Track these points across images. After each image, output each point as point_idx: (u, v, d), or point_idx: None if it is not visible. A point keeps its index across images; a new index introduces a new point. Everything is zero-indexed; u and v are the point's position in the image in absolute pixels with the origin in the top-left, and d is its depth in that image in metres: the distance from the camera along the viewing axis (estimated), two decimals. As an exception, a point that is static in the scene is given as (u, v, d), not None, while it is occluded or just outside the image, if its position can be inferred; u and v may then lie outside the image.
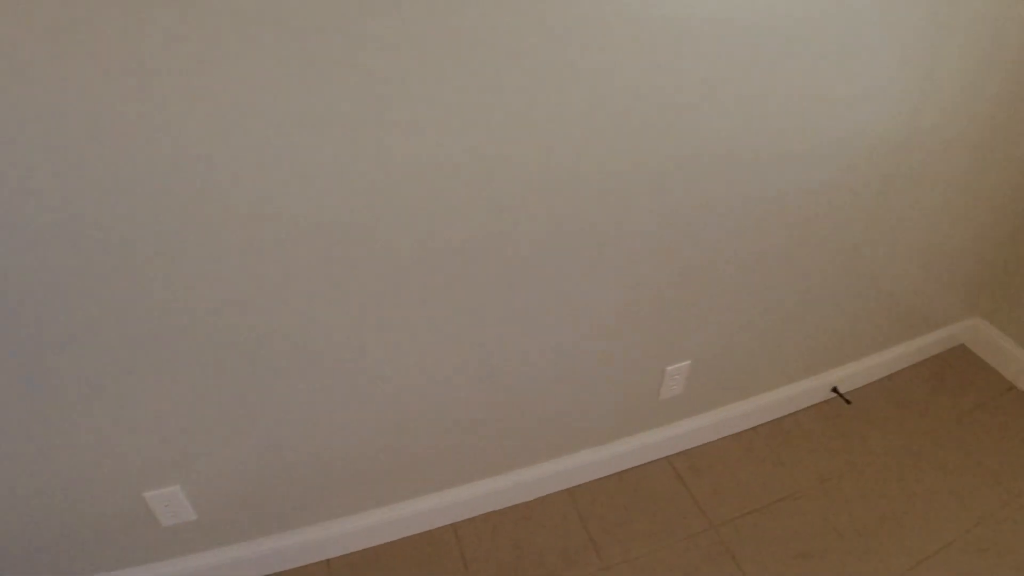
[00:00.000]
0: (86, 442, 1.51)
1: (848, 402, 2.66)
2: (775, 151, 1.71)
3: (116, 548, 1.79)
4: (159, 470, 1.64)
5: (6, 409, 1.38)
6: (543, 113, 1.35)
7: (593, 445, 2.24)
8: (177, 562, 1.89)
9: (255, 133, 1.16)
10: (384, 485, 1.98)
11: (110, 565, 1.83)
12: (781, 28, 1.48)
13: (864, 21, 1.58)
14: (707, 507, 2.29)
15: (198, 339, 1.41)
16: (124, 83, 1.04)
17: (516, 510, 2.25)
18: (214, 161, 1.17)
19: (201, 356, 1.44)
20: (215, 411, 1.56)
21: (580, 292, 1.73)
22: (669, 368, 2.11)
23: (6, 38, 0.94)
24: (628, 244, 1.69)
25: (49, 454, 1.50)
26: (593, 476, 2.30)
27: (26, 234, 1.14)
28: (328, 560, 2.10)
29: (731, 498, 2.31)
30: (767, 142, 1.68)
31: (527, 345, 1.78)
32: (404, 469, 1.96)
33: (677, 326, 2.00)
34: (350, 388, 1.66)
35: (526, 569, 2.11)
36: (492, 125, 1.32)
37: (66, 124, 1.05)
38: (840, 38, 1.58)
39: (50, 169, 1.09)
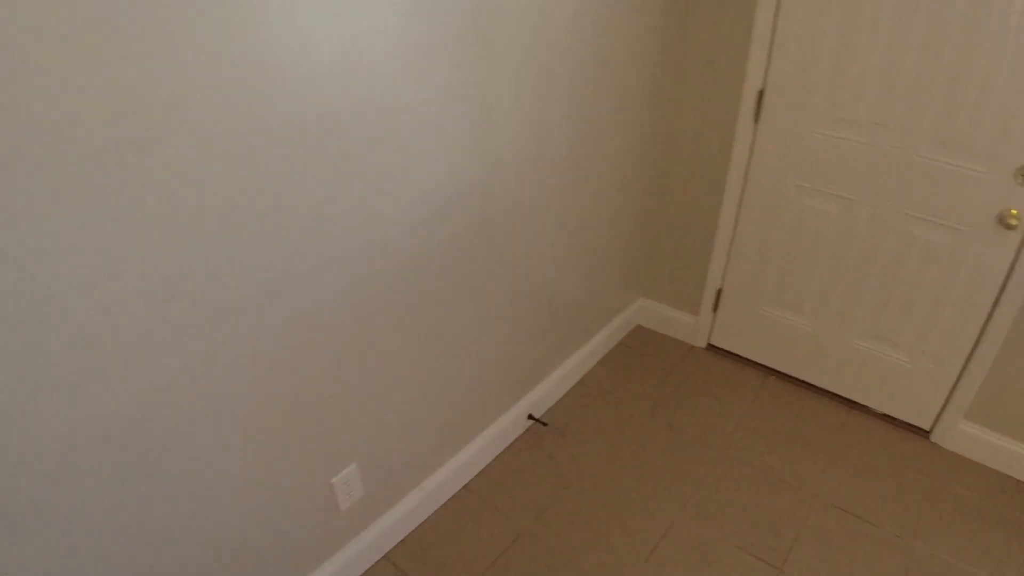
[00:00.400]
0: None
1: (545, 424, 2.63)
2: (389, 223, 1.61)
3: None
4: None
5: None
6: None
7: (292, 584, 1.98)
8: None
9: None
10: None
11: None
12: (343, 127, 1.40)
13: (416, 102, 1.58)
14: (437, 592, 2.12)
15: None
16: None
17: None
18: None
19: None
20: None
21: (195, 430, 1.49)
22: (335, 479, 1.93)
23: None
24: (240, 364, 1.49)
25: None
26: (308, 614, 2.05)
27: None
28: None
29: (458, 570, 2.16)
30: (388, 218, 1.58)
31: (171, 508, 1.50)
32: None
33: (324, 433, 1.82)
34: None
35: None
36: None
37: None
38: (417, 121, 1.55)
39: None
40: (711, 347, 3.11)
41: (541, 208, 2.22)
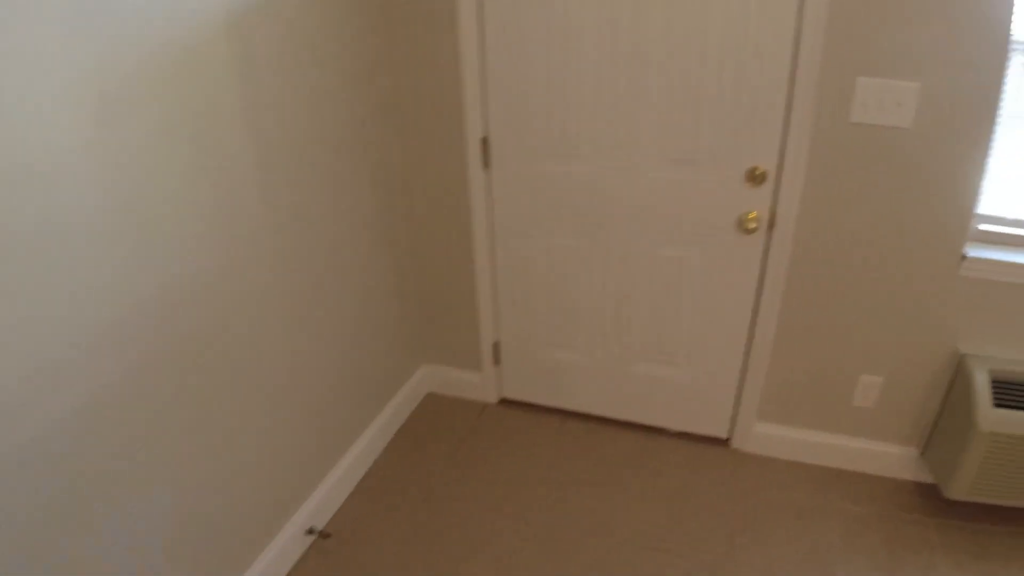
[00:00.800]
0: None
1: (327, 536, 2.36)
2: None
3: None
4: None
5: None
6: None
7: None
8: None
9: None
10: None
11: None
12: None
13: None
14: None
15: None
16: None
17: None
18: None
19: None
20: None
21: None
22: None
23: None
24: None
25: None
26: None
27: None
28: None
29: None
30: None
31: None
32: None
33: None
34: None
35: None
36: None
37: None
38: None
39: None
40: (505, 401, 2.95)
41: (268, 302, 1.97)
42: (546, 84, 2.25)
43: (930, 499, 2.39)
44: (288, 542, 2.20)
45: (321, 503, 2.34)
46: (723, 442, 2.67)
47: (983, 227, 2.18)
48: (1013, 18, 1.84)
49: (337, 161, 2.19)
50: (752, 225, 2.21)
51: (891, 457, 2.48)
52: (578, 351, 2.68)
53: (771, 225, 2.23)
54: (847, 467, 2.55)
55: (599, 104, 2.22)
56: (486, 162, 2.43)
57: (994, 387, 2.14)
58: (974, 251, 2.13)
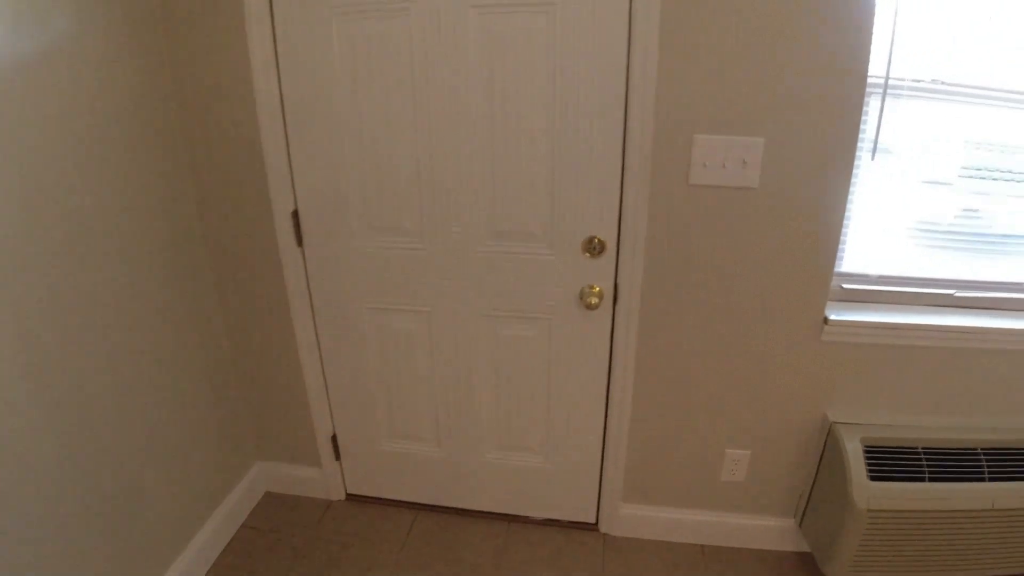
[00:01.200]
0: None
1: None
2: None
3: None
4: None
5: None
6: None
7: None
8: None
9: None
10: None
11: None
12: None
13: None
14: None
15: None
16: None
17: None
18: None
19: None
20: None
21: None
22: None
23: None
24: None
25: None
26: None
27: None
28: None
29: None
30: None
31: None
32: None
33: None
34: None
35: None
36: None
37: None
38: None
39: None
40: (352, 497, 2.63)
41: (31, 427, 1.60)
42: (358, 152, 1.98)
43: (813, 571, 2.20)
44: None
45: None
46: (591, 527, 2.42)
47: (847, 286, 1.99)
48: (870, 57, 1.64)
49: (127, 248, 1.86)
50: (594, 300, 1.97)
51: (769, 530, 2.29)
52: (423, 441, 2.40)
53: (615, 298, 1.99)
54: (723, 543, 2.35)
55: (416, 174, 1.96)
56: (299, 238, 2.12)
57: (868, 455, 1.96)
58: (837, 313, 1.95)
